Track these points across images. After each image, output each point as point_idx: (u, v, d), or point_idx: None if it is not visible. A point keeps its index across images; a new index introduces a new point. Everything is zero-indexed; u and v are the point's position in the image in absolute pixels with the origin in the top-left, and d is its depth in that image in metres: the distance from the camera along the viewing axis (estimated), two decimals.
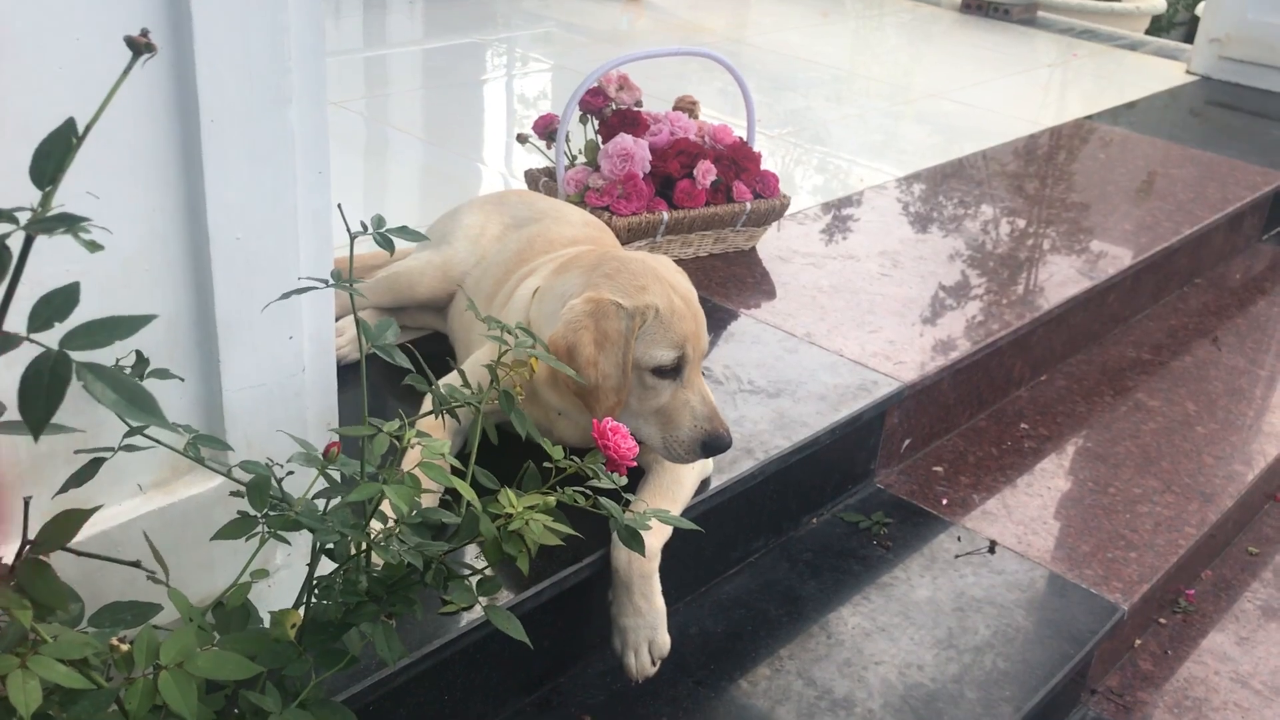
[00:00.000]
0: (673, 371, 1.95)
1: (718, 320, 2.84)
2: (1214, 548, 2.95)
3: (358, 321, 1.35)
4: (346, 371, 2.41)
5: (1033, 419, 3.09)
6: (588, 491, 1.38)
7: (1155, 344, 3.59)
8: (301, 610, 1.31)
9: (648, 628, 1.95)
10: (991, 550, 2.54)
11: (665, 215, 2.96)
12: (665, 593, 1.99)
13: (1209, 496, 2.83)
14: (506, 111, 4.63)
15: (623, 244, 2.85)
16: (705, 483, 2.19)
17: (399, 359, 1.37)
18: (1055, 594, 2.43)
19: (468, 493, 1.24)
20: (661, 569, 1.98)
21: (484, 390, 1.50)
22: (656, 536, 1.96)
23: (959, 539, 2.57)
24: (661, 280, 1.98)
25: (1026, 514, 2.69)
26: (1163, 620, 2.76)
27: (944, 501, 2.69)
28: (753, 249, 3.24)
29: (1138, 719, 2.47)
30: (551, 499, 1.28)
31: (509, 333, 1.55)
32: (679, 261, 3.05)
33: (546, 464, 1.40)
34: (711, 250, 3.16)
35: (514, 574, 1.91)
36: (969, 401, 2.98)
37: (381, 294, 2.48)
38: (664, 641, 1.97)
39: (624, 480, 1.48)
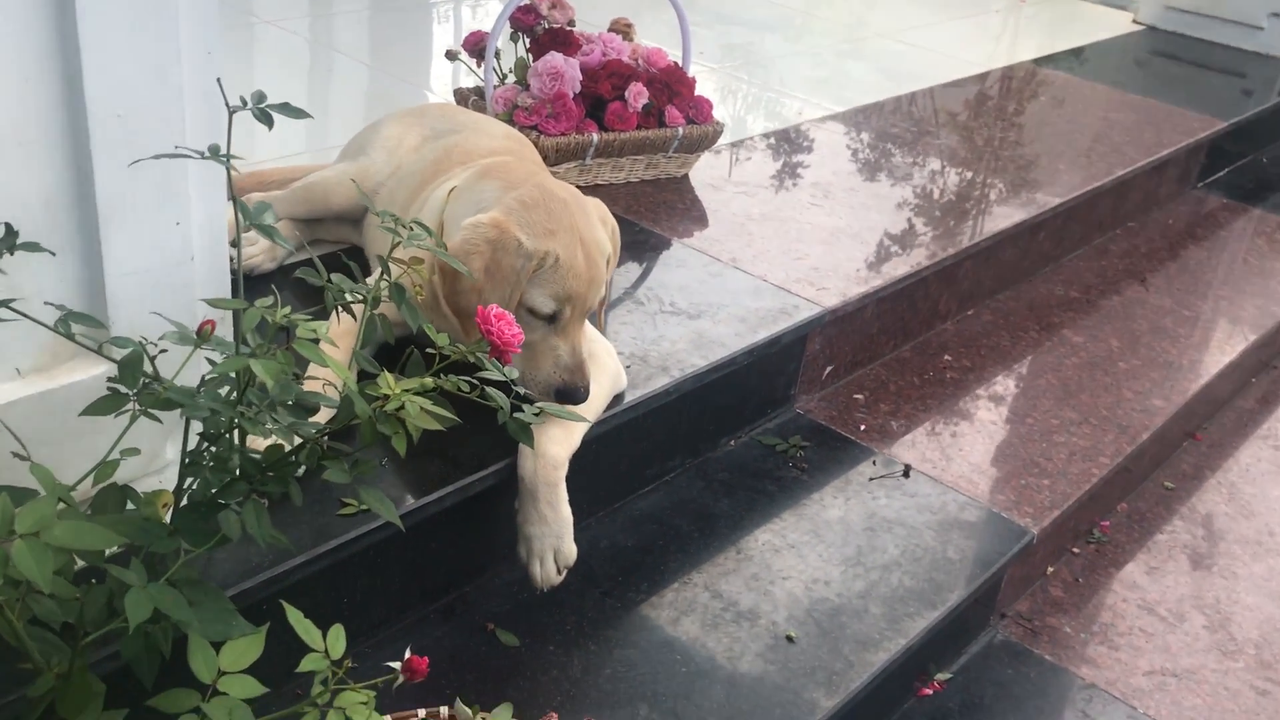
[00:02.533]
0: (548, 318, 1.94)
1: (645, 244, 2.83)
2: (1130, 481, 2.99)
3: (235, 201, 1.31)
4: (260, 282, 2.39)
5: (956, 351, 3.11)
6: (474, 380, 1.37)
7: (1085, 284, 3.62)
8: (173, 492, 1.29)
9: (553, 536, 1.95)
10: (906, 474, 2.56)
11: (595, 137, 2.93)
12: (578, 508, 1.98)
13: (1125, 429, 2.87)
14: (454, 35, 4.56)
15: (550, 166, 2.82)
16: (619, 397, 2.18)
17: (280, 240, 1.34)
18: (966, 517, 2.45)
19: (340, 371, 1.22)
20: (575, 484, 1.97)
21: (375, 283, 1.48)
22: (562, 445, 1.95)
23: (874, 463, 2.58)
24: (573, 230, 1.95)
25: (943, 442, 2.71)
26: (1076, 550, 2.80)
27: (862, 428, 2.71)
28: (685, 176, 3.22)
29: (1045, 641, 2.51)
30: (429, 380, 1.26)
31: (404, 226, 1.52)
32: (608, 188, 3.03)
33: (430, 350, 1.38)
34: (643, 176, 3.14)
35: (414, 480, 1.90)
36: (893, 332, 2.99)
37: (297, 205, 2.44)
38: (569, 550, 1.97)
39: (515, 373, 1.46)
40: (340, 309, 1.45)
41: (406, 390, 1.24)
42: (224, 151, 1.29)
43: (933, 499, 2.49)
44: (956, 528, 2.41)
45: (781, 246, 2.90)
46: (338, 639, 1.17)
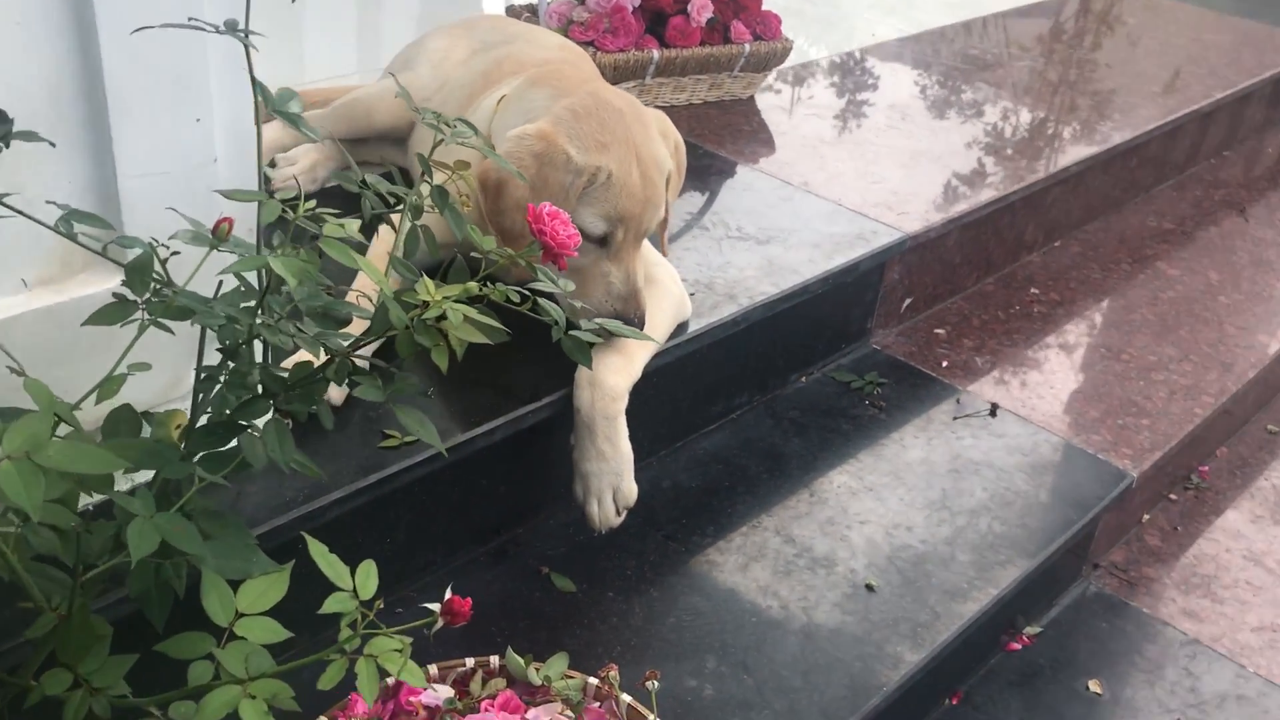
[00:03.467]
0: (599, 241, 1.76)
1: (709, 168, 2.64)
2: (1231, 424, 2.77)
3: (254, 83, 1.15)
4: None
5: (1044, 284, 2.90)
6: (523, 291, 1.20)
7: (1178, 215, 3.37)
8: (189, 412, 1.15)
9: (612, 474, 1.79)
10: (993, 413, 2.36)
11: (655, 54, 2.74)
12: (637, 445, 1.82)
13: (1229, 366, 2.65)
14: None
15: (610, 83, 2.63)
16: (683, 326, 2.02)
17: (307, 131, 1.18)
18: (1059, 459, 2.26)
19: (373, 274, 1.06)
20: (634, 419, 1.81)
21: (416, 188, 1.32)
22: (622, 374, 1.79)
23: (958, 402, 2.40)
24: (629, 143, 1.76)
25: (1032, 379, 2.51)
26: (1173, 496, 2.60)
27: (944, 364, 2.51)
28: (751, 98, 3.02)
29: (1142, 594, 2.32)
30: (474, 286, 1.09)
31: (446, 124, 1.35)
32: (669, 110, 2.84)
33: (474, 254, 1.22)
34: (706, 97, 2.94)
35: (462, 410, 1.74)
36: (976, 263, 2.78)
37: (338, 123, 2.28)
38: (630, 490, 1.81)
39: (571, 286, 1.30)
40: (381, 226, 1.30)
41: (448, 297, 1.07)
42: (242, 27, 1.13)
43: (1022, 439, 2.29)
44: (1049, 470, 2.22)
45: (857, 170, 2.70)
46: (368, 577, 1.02)
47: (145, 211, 1.35)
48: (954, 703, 2.04)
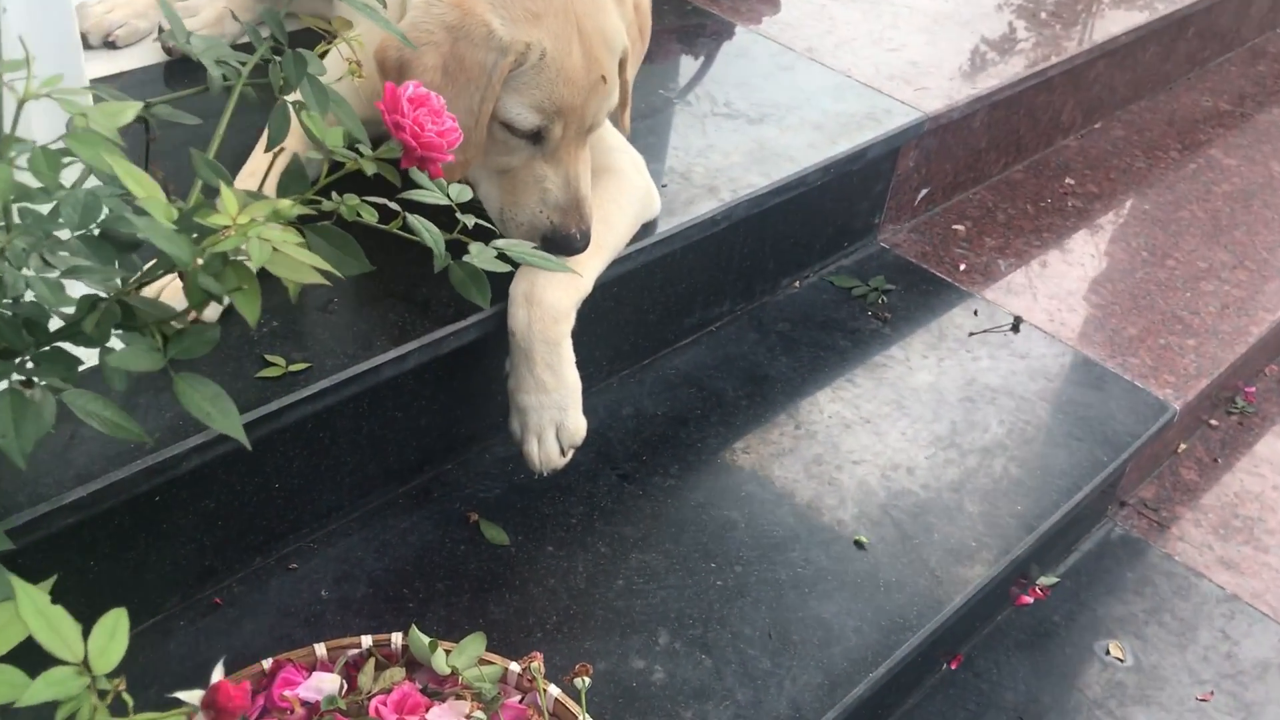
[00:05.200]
0: (531, 136, 1.40)
1: (698, 29, 2.26)
2: None
3: None
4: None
5: (1080, 173, 2.53)
6: (393, 204, 0.87)
7: (1237, 93, 2.97)
8: None
9: (554, 407, 1.48)
10: (1015, 328, 2.03)
11: None
12: (594, 364, 1.52)
13: None
14: None
15: None
16: (650, 225, 1.68)
17: None
18: (1090, 385, 1.94)
19: (137, 182, 0.73)
20: (589, 335, 1.50)
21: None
22: (566, 290, 1.46)
23: (976, 313, 2.06)
24: (568, 12, 1.38)
25: (1063, 287, 2.17)
26: (1214, 422, 2.28)
27: (961, 267, 2.17)
28: None
29: (1174, 539, 2.03)
30: (287, 204, 0.76)
31: None
32: None
33: (334, 156, 0.88)
34: None
35: (366, 330, 1.42)
36: (1005, 146, 2.41)
37: None
38: (576, 425, 1.50)
39: (467, 194, 0.96)
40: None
41: (256, 220, 0.74)
42: None
43: (1048, 361, 1.97)
44: (1078, 400, 1.90)
45: (872, 34, 2.31)
46: (112, 638, 0.70)
47: None
48: (952, 667, 1.77)
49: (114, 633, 0.68)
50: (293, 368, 1.35)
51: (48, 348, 0.78)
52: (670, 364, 1.85)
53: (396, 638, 1.30)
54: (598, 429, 1.68)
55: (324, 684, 1.26)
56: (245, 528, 1.41)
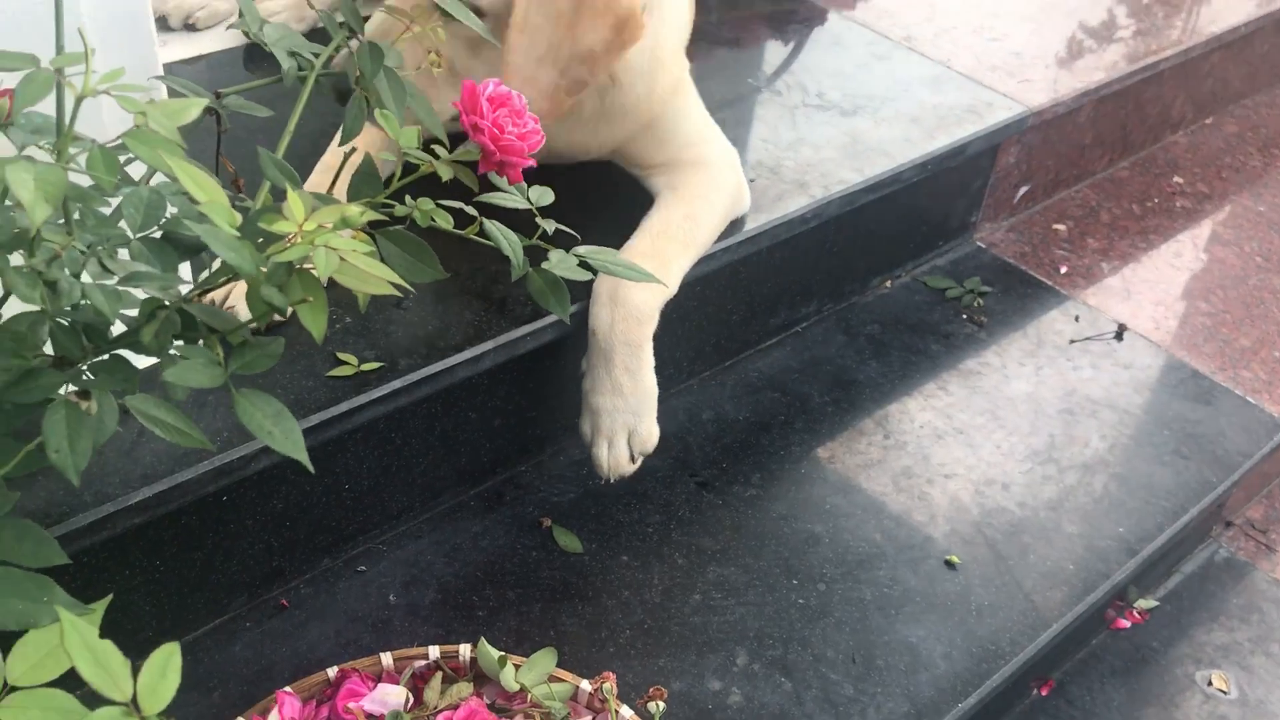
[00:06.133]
0: None
1: (791, 15, 2.17)
2: None
3: None
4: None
5: (1190, 172, 2.40)
6: (469, 209, 0.81)
7: None
8: None
9: (629, 412, 1.42)
10: (1119, 336, 1.93)
11: None
12: (673, 364, 1.45)
13: None
14: None
15: None
16: (737, 223, 1.61)
17: None
18: (1199, 400, 1.83)
19: (198, 186, 0.68)
20: (670, 336, 1.44)
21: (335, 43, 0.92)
22: (654, 291, 1.40)
23: (1077, 319, 1.96)
24: None
25: (1170, 293, 2.05)
26: None
27: (1063, 270, 2.07)
28: None
29: None
30: (356, 211, 0.70)
31: None
32: None
33: (409, 156, 0.83)
34: None
35: (439, 330, 1.37)
36: (1111, 142, 2.29)
37: None
38: (649, 433, 1.44)
39: (548, 197, 0.90)
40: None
41: (322, 226, 0.69)
42: None
43: (1153, 373, 1.86)
44: (1186, 415, 1.79)
45: (973, 22, 2.21)
46: (163, 676, 0.65)
47: None
48: (1043, 693, 1.68)
49: (165, 670, 0.64)
50: (365, 367, 1.30)
51: (105, 356, 0.74)
52: (753, 366, 1.78)
53: (465, 649, 1.25)
54: (676, 433, 1.62)
55: (389, 697, 1.22)
56: (313, 529, 1.37)
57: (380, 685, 1.23)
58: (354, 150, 0.93)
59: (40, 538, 0.79)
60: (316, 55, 0.91)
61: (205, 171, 0.71)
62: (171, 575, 1.26)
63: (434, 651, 1.25)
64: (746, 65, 2.00)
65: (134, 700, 0.63)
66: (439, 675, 1.24)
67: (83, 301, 0.70)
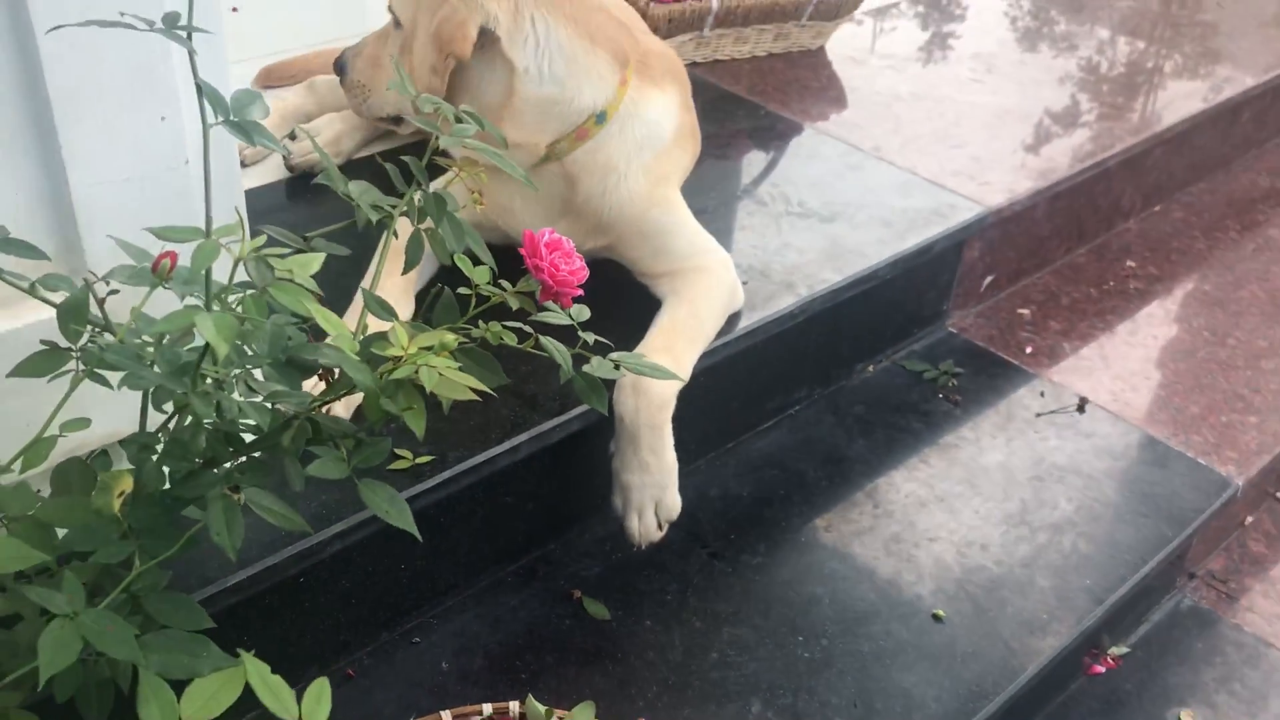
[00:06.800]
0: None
1: (771, 130, 2.42)
2: None
3: (199, 87, 0.97)
4: (323, 189, 2.07)
5: (1141, 256, 2.63)
6: (525, 328, 1.02)
7: None
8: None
9: (655, 486, 1.62)
10: (1081, 409, 2.14)
11: (714, 3, 2.50)
12: (683, 449, 1.65)
13: None
14: None
15: (663, 39, 2.41)
16: (734, 319, 1.82)
17: (264, 141, 1.00)
18: (1154, 463, 2.03)
19: (331, 325, 0.89)
20: (679, 423, 1.63)
21: (409, 193, 1.13)
22: (669, 382, 1.61)
23: (1042, 394, 2.17)
24: None
25: (1126, 367, 2.27)
26: None
27: (1028, 350, 2.28)
28: (821, 49, 2.77)
29: (1243, 609, 2.10)
30: (451, 338, 0.91)
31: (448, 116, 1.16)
32: (730, 64, 2.62)
33: (463, 290, 1.04)
34: (772, 49, 2.70)
35: (480, 425, 1.58)
36: (1066, 233, 2.53)
37: (334, 91, 2.10)
38: (673, 503, 1.64)
39: (585, 314, 1.11)
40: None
41: (425, 348, 0.90)
42: (185, 21, 0.95)
43: (1113, 440, 2.07)
44: (1143, 477, 1.99)
45: (935, 131, 2.46)
46: (319, 701, 0.85)
47: (106, 223, 1.19)
48: None
49: (320, 697, 0.83)
50: (419, 460, 1.50)
51: (251, 458, 0.94)
52: (753, 447, 1.98)
53: (514, 705, 1.43)
54: (688, 509, 1.80)
55: None
56: (374, 605, 1.56)
57: None
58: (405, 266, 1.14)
59: (191, 607, 0.98)
60: (393, 206, 1.12)
61: (322, 311, 0.92)
62: (254, 649, 1.44)
63: (487, 708, 1.43)
64: (735, 177, 2.23)
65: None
66: None
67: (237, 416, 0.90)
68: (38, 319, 1.20)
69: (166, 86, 1.18)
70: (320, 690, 0.84)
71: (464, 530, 1.62)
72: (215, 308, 0.91)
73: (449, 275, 1.25)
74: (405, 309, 1.66)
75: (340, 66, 1.78)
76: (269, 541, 1.36)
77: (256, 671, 0.83)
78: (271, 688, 0.83)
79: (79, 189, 1.16)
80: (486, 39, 1.58)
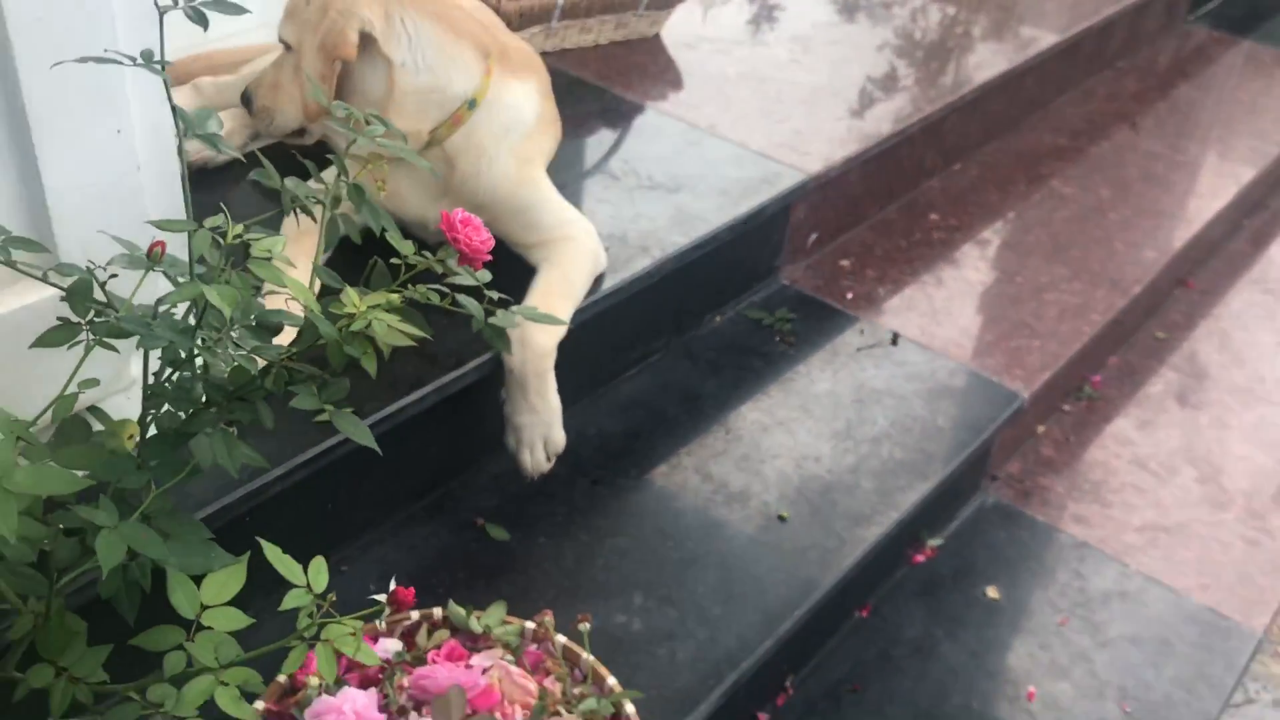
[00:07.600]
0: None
1: (617, 112, 2.72)
2: (1121, 334, 2.95)
3: (174, 110, 1.22)
4: (219, 176, 2.29)
5: (943, 209, 3.04)
6: (443, 289, 1.30)
7: (1073, 130, 3.52)
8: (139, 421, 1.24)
9: (543, 425, 1.91)
10: (894, 342, 2.51)
11: None
12: (563, 392, 1.94)
13: (1117, 283, 2.82)
14: None
15: (514, 31, 2.68)
16: (599, 280, 2.12)
17: (225, 148, 1.25)
18: (955, 384, 2.42)
19: (301, 292, 1.16)
20: (559, 374, 1.92)
21: (334, 183, 1.39)
22: (549, 334, 1.90)
23: (862, 332, 2.54)
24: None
25: (932, 306, 2.66)
26: (1067, 407, 2.78)
27: (849, 296, 2.65)
28: (657, 35, 3.09)
29: (1036, 502, 2.51)
30: (395, 297, 1.19)
31: (353, 115, 1.42)
32: (576, 53, 2.90)
33: (395, 260, 1.31)
34: (613, 38, 3.00)
35: (389, 381, 1.84)
36: (878, 193, 2.91)
37: (217, 92, 2.32)
38: (559, 438, 1.94)
39: (487, 276, 1.39)
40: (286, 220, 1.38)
41: (374, 306, 1.17)
42: (158, 57, 1.19)
43: (921, 366, 2.45)
44: (946, 395, 2.38)
45: (761, 108, 2.80)
46: (319, 572, 1.13)
47: (75, 223, 1.42)
48: (863, 615, 2.22)
49: (319, 570, 1.10)
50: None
51: (238, 400, 1.20)
52: (622, 390, 2.29)
53: (438, 610, 1.71)
54: (570, 445, 2.10)
55: (390, 645, 1.66)
56: (307, 540, 1.81)
57: (380, 640, 1.67)
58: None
59: (195, 524, 1.23)
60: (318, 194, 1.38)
61: (297, 282, 1.18)
62: None
63: (415, 614, 1.70)
64: (589, 154, 2.53)
65: (308, 585, 1.09)
66: (425, 628, 1.69)
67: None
68: (22, 304, 1.43)
69: (119, 103, 1.41)
70: (319, 565, 1.12)
71: (378, 472, 1.88)
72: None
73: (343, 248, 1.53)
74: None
75: (246, 99, 2.00)
76: (221, 485, 1.61)
77: (273, 552, 1.10)
78: (285, 564, 1.11)
79: (53, 195, 1.39)
80: (365, 41, 1.84)
